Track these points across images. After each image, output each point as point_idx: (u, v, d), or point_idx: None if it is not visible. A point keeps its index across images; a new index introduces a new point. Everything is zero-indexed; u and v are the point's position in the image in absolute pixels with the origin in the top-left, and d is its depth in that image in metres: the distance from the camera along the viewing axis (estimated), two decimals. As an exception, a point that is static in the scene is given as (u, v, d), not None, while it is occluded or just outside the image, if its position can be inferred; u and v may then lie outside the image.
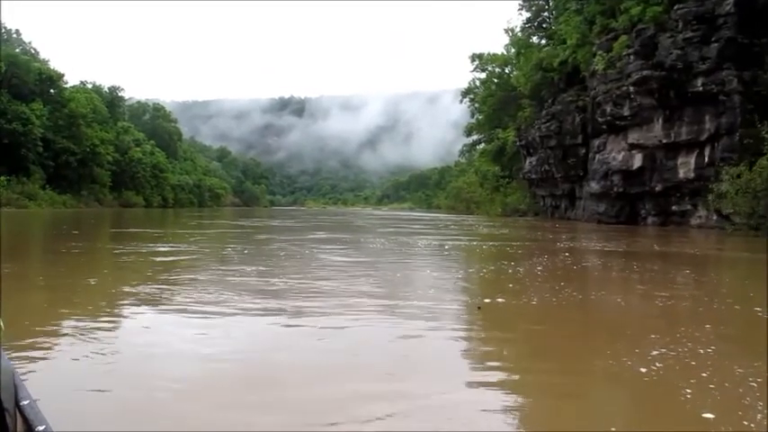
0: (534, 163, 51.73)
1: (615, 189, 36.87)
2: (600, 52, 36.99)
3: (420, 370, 4.60)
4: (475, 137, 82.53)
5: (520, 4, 60.06)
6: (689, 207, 33.06)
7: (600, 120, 37.01)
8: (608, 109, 35.93)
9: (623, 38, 34.89)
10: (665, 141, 32.91)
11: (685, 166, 32.19)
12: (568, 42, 42.26)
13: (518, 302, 7.84)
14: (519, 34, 61.87)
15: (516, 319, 6.82)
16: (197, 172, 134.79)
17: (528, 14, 59.80)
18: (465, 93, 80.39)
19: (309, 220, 45.79)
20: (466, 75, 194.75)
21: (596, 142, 38.86)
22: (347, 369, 4.57)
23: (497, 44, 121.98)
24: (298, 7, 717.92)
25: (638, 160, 34.91)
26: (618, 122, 35.62)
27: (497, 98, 69.68)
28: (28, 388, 2.18)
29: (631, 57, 33.92)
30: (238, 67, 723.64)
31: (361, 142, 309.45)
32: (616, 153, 36.45)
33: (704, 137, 30.87)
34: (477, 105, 76.82)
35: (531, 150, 53.30)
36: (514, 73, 63.55)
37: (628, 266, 13.39)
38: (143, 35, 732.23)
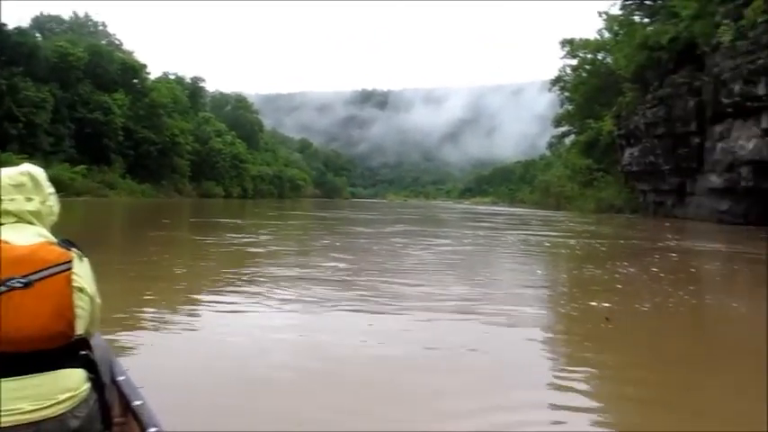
0: (636, 154, 46.17)
1: (743, 183, 30.95)
2: (726, 21, 31.33)
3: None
4: (564, 128, 78.68)
5: (621, -21, 54.45)
6: (844, 205, 27.23)
7: (725, 101, 31.18)
8: (736, 88, 30.13)
9: (758, 2, 29.20)
10: (810, 126, 27.21)
11: (837, 156, 26.43)
12: (683, 14, 36.60)
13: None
14: (619, 12, 56.36)
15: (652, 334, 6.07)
16: (278, 163, 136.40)
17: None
18: (554, 81, 76.89)
19: (391, 213, 44.40)
20: (551, 67, 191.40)
21: (718, 129, 33.02)
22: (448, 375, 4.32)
23: (586, 33, 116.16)
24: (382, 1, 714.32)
25: (774, 149, 29.10)
26: (749, 104, 29.77)
27: (590, 86, 65.88)
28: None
29: (769, 24, 28.33)
30: (323, 61, 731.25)
31: (444, 135, 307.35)
32: (745, 141, 30.58)
33: None
34: (567, 94, 73.22)
35: (633, 140, 47.77)
36: (611, 57, 58.55)
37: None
38: (231, 30, 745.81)
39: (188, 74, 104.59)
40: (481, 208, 77.12)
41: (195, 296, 7.24)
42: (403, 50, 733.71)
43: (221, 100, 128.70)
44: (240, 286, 7.82)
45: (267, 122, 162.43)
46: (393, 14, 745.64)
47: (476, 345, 5.18)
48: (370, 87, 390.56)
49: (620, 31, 54.83)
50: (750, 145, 30.16)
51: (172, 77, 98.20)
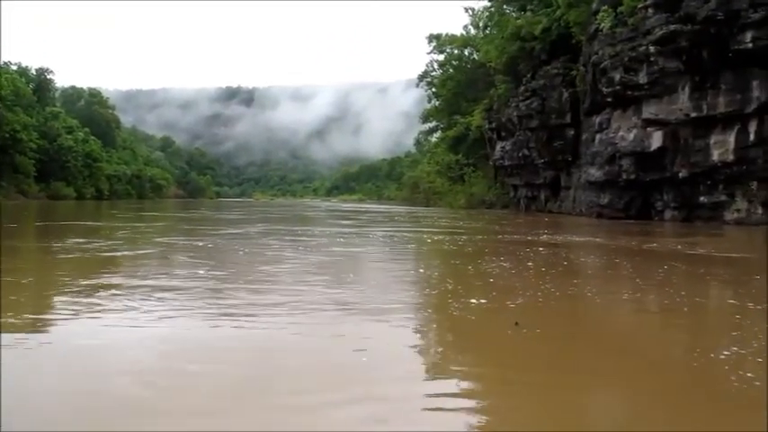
0: (509, 148, 45.03)
1: (625, 176, 29.62)
2: (604, 8, 30.06)
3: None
4: (432, 124, 79.14)
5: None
6: (723, 198, 26.27)
7: (605, 90, 29.83)
8: (617, 76, 28.78)
9: (636, -13, 28.05)
10: (693, 115, 25.95)
11: (721, 146, 25.33)
12: (560, 1, 35.41)
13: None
14: (489, 3, 55.77)
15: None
16: (137, 162, 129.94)
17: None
18: (422, 76, 76.33)
19: (257, 212, 42.10)
20: (415, 65, 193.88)
21: (597, 119, 31.72)
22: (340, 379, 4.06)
23: (451, 31, 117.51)
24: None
25: (656, 139, 27.70)
26: (630, 93, 28.45)
27: (457, 81, 66.18)
28: None
29: (650, 10, 27.07)
30: (186, 56, 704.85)
31: (311, 133, 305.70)
32: (625, 131, 29.31)
33: (751, 108, 24.14)
34: (434, 90, 72.90)
35: (504, 134, 46.70)
36: (480, 51, 58.10)
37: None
38: (88, 22, 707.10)
39: (34, 65, 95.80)
40: (349, 205, 75.40)
41: (42, 311, 6.41)
42: (269, 47, 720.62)
43: (73, 95, 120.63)
44: (94, 297, 6.86)
45: (127, 120, 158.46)
46: (257, 10, 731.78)
47: (351, 343, 4.98)
48: (235, 84, 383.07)
49: (490, 23, 54.17)
50: (630, 136, 28.97)
51: (13, 68, 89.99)
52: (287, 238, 17.14)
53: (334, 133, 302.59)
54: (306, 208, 58.88)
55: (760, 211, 24.66)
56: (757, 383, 3.87)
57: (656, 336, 5.77)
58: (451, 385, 3.95)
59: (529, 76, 41.85)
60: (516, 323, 5.64)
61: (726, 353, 4.58)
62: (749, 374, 4.04)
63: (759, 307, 6.71)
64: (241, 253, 12.73)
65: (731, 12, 23.88)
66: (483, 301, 6.85)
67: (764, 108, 23.77)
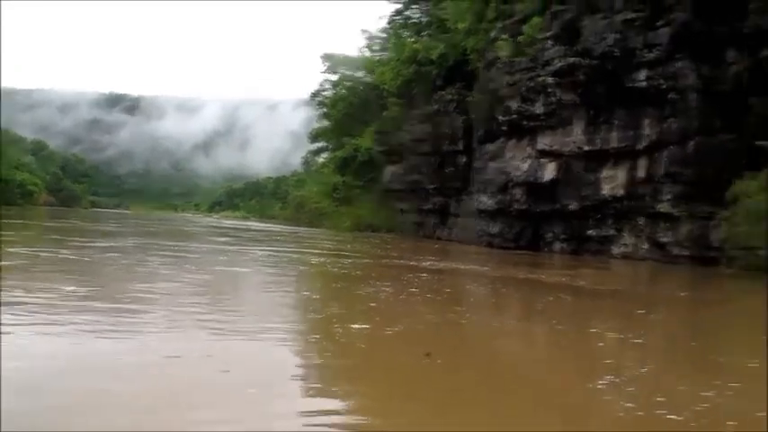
0: (400, 172, 44.51)
1: (516, 205, 29.55)
2: (504, 36, 30.08)
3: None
4: (320, 143, 77.96)
5: (390, -7, 53.44)
6: (611, 232, 26.54)
7: (501, 119, 29.71)
8: (514, 105, 28.69)
9: (536, 19, 28.15)
10: (586, 149, 26.25)
11: (612, 181, 25.67)
12: (459, 26, 35.25)
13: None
14: (387, 26, 55.63)
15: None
16: (6, 166, 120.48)
17: (398, 5, 53.16)
18: (314, 95, 75.61)
19: (133, 225, 41.00)
20: (307, 85, 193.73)
21: (490, 147, 31.60)
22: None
23: (347, 51, 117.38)
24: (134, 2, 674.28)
25: (549, 171, 27.79)
26: (525, 123, 28.45)
27: (348, 103, 65.80)
28: None
29: (549, 41, 27.19)
30: (68, 57, 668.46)
31: (196, 145, 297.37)
32: (520, 161, 29.26)
33: (642, 145, 24.52)
34: (325, 110, 72.42)
35: (395, 158, 46.19)
36: (374, 73, 57.58)
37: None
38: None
39: None
40: (231, 222, 73.74)
41: None
42: (157, 56, 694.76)
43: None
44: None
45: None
46: (147, 17, 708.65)
47: (227, 365, 4.87)
48: (119, 90, 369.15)
49: (387, 45, 54.05)
50: (525, 166, 28.94)
51: None
52: (164, 254, 16.35)
53: (220, 147, 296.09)
54: (186, 223, 57.19)
55: (646, 246, 24.99)
56: (640, 413, 4.06)
57: (540, 364, 5.93)
58: (332, 406, 4.03)
59: (423, 100, 41.64)
60: (428, 354, 5.55)
61: (602, 382, 4.82)
62: (629, 404, 4.20)
63: (622, 336, 7.29)
64: (113, 269, 12.04)
65: (627, 49, 24.26)
66: (366, 326, 6.92)
67: (655, 146, 24.21)
